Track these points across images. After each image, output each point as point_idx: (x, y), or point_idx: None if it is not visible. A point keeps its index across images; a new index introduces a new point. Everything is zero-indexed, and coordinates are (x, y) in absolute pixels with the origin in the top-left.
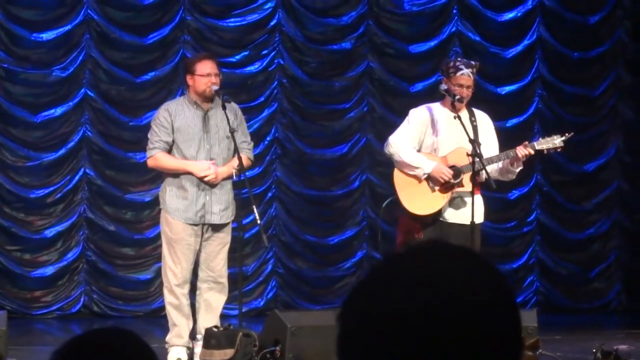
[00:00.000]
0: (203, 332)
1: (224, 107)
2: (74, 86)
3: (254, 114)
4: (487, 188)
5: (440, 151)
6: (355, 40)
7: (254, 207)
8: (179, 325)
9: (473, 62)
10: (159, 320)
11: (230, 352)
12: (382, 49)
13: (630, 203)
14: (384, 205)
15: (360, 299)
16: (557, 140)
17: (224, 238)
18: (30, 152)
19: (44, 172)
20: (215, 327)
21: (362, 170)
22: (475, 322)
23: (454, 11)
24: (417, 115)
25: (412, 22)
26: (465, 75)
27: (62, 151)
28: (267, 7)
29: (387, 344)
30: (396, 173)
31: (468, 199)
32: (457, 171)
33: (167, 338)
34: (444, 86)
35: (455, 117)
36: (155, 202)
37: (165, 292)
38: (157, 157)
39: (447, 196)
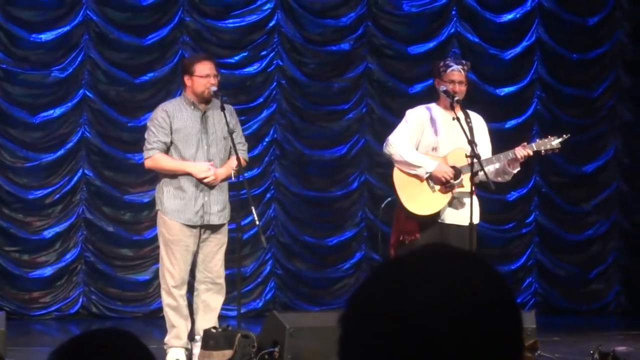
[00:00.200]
0: (201, 333)
1: (223, 109)
2: (73, 87)
3: (252, 115)
4: (486, 189)
5: (438, 151)
6: (354, 41)
7: (252, 208)
8: (177, 327)
9: (464, 61)
10: (158, 321)
11: (228, 353)
12: (381, 50)
13: (629, 204)
14: (382, 205)
15: (361, 301)
16: (554, 142)
17: (221, 239)
18: (29, 153)
19: (43, 172)
20: (214, 328)
21: (361, 172)
22: (476, 324)
23: (453, 12)
24: (415, 116)
25: (411, 23)
26: (456, 71)
27: (60, 152)
28: (266, 8)
29: (388, 345)
30: (396, 173)
31: (466, 200)
32: (457, 171)
33: (166, 339)
34: (443, 87)
35: (454, 119)
36: (154, 203)
37: (163, 293)
38: (155, 158)
39: (447, 196)
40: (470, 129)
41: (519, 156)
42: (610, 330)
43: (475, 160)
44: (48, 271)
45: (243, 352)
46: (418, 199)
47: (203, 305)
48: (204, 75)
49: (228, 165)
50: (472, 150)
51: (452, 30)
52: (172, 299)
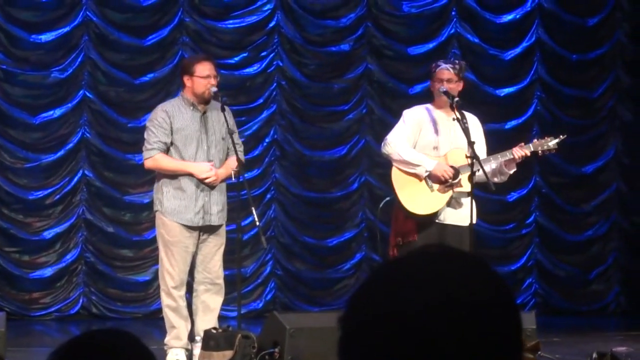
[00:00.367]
0: (202, 333)
1: (223, 109)
2: (73, 88)
3: (252, 116)
4: (486, 190)
5: (439, 150)
6: (354, 42)
7: (252, 208)
8: (177, 328)
9: (457, 61)
10: (158, 322)
11: (229, 353)
12: (381, 51)
13: (629, 205)
14: (381, 205)
15: (361, 302)
16: (551, 142)
17: (220, 239)
18: (29, 154)
19: (43, 173)
20: (214, 328)
21: (361, 172)
22: (476, 324)
23: (453, 13)
24: (412, 115)
25: (411, 24)
26: (445, 69)
27: (60, 152)
28: (266, 8)
29: (388, 346)
30: (395, 172)
31: (464, 200)
32: (456, 171)
33: (166, 340)
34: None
35: (454, 119)
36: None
37: (163, 294)
38: (156, 158)
39: (446, 196)
40: (466, 129)
41: (516, 156)
42: (610, 331)
43: (474, 160)
44: (48, 272)
45: (243, 352)
46: (417, 199)
47: (202, 306)
48: (204, 76)
49: (227, 165)
50: (472, 151)
51: (452, 31)
52: (171, 300)
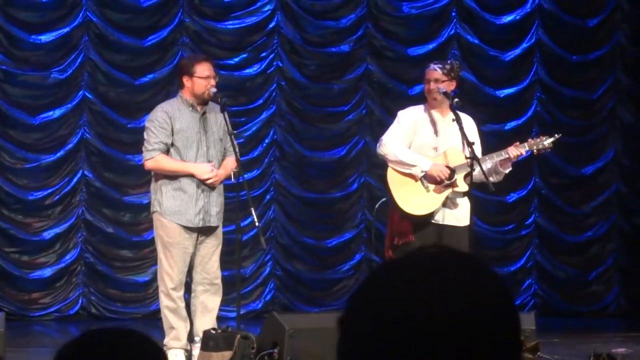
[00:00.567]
0: (201, 334)
1: (223, 110)
2: (73, 88)
3: (252, 117)
4: (485, 190)
5: (439, 151)
6: (354, 42)
7: (252, 209)
8: (176, 328)
9: (448, 61)
10: (157, 323)
11: (228, 354)
12: (381, 52)
13: (629, 206)
14: (376, 206)
15: (360, 304)
16: (546, 141)
17: (217, 240)
18: (28, 154)
19: (43, 174)
20: (214, 329)
21: (361, 173)
22: (475, 325)
23: (453, 14)
24: (407, 116)
25: (411, 24)
26: (432, 70)
27: (60, 153)
28: (265, 9)
29: (387, 348)
30: (390, 173)
31: (460, 200)
32: (451, 171)
33: (165, 341)
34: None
35: (453, 120)
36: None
37: (162, 296)
38: (157, 159)
39: (442, 196)
40: (461, 129)
41: (512, 155)
42: (610, 332)
43: (473, 161)
44: (48, 272)
45: (242, 353)
46: (413, 199)
47: (201, 306)
48: (204, 76)
49: (225, 166)
50: (472, 151)
51: (452, 32)
52: (170, 301)
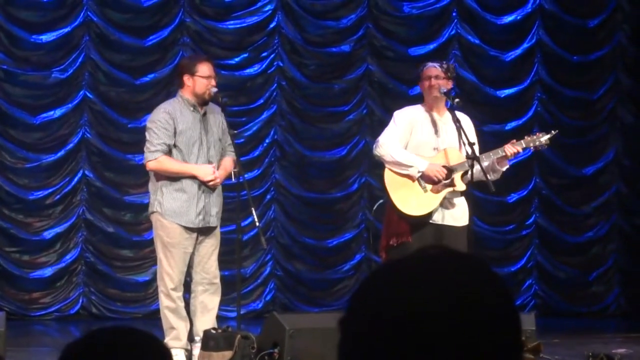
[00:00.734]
0: (201, 334)
1: (224, 110)
2: (74, 88)
3: (253, 116)
4: (486, 190)
5: (439, 151)
6: (355, 42)
7: (252, 209)
8: (177, 328)
9: (444, 62)
10: (157, 322)
11: (228, 354)
12: (382, 52)
13: (629, 206)
14: (374, 207)
15: (361, 304)
16: (543, 138)
17: (216, 240)
18: (29, 154)
19: (43, 173)
20: (214, 329)
21: (361, 173)
22: (476, 325)
23: (454, 14)
24: (403, 116)
25: (412, 24)
26: (432, 67)
27: (61, 153)
28: (266, 9)
29: (388, 348)
30: (387, 174)
31: (457, 200)
32: (448, 171)
33: (165, 341)
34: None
35: (453, 120)
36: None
37: (162, 296)
38: (161, 161)
39: (440, 197)
40: (458, 128)
41: (508, 153)
42: (610, 333)
43: (474, 161)
44: (48, 272)
45: (243, 353)
46: (410, 200)
47: (201, 306)
48: (206, 76)
49: (224, 167)
50: (473, 151)
51: (453, 32)
52: (170, 302)
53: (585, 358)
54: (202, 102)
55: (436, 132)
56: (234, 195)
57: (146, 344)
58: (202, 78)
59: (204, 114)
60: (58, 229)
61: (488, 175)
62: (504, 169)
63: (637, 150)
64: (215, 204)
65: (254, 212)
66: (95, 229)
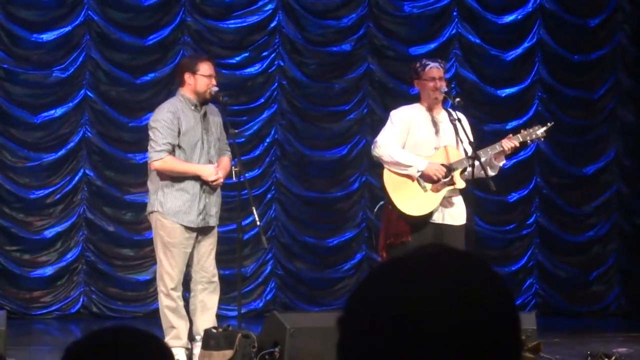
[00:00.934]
0: (201, 333)
1: (224, 109)
2: (74, 87)
3: (253, 116)
4: (487, 190)
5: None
6: (355, 42)
7: (253, 208)
8: (177, 328)
9: (439, 60)
10: (158, 321)
11: (229, 353)
12: (382, 51)
13: (630, 206)
14: (375, 210)
15: (360, 304)
16: (539, 131)
17: (214, 239)
18: (30, 153)
19: (44, 172)
20: (214, 328)
21: (362, 172)
22: (476, 324)
23: (454, 13)
24: (400, 116)
25: (412, 24)
26: (434, 68)
27: (61, 152)
28: (267, 8)
29: (387, 347)
30: (386, 174)
31: (455, 199)
32: (448, 169)
33: (165, 340)
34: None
35: (452, 120)
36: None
37: (162, 296)
38: (166, 161)
39: (440, 196)
40: (456, 126)
41: (505, 148)
42: (611, 332)
43: (475, 161)
44: (49, 271)
45: (243, 352)
46: (411, 200)
47: (200, 305)
48: (207, 74)
49: (224, 166)
50: (473, 151)
51: (453, 32)
52: (171, 301)
53: (585, 357)
54: (202, 101)
55: (437, 131)
56: (234, 194)
57: (147, 344)
58: (203, 77)
59: (204, 114)
60: (59, 228)
61: (486, 171)
62: (501, 164)
63: (637, 150)
64: (215, 203)
65: (254, 211)
66: (96, 228)
